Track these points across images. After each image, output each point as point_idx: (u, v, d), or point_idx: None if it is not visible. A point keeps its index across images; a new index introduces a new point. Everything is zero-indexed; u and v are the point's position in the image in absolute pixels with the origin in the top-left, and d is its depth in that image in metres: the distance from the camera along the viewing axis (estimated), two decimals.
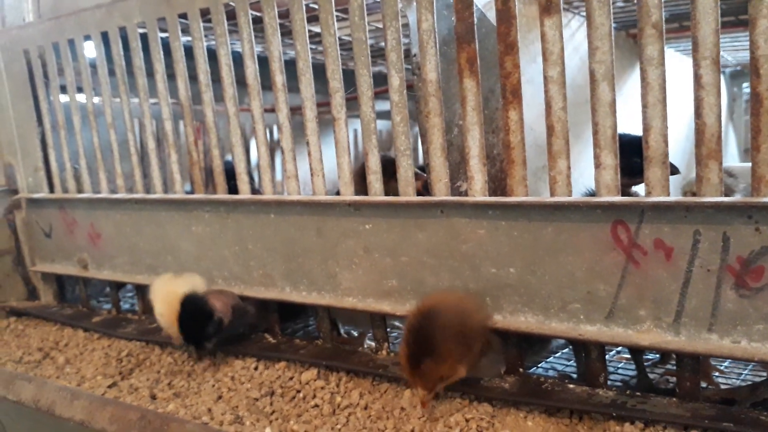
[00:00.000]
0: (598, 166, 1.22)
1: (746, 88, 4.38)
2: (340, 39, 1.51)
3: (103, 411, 1.07)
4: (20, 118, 2.25)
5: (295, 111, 1.63)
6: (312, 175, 1.60)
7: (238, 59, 1.66)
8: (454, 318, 1.26)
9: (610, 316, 1.24)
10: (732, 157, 4.08)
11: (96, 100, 2.02)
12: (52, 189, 2.25)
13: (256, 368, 1.65)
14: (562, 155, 1.25)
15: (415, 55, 1.45)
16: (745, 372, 1.57)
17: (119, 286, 2.21)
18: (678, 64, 2.76)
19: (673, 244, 1.16)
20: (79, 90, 2.06)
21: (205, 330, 1.58)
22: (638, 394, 1.27)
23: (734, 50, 3.41)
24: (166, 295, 1.64)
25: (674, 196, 1.16)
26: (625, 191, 1.28)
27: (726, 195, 1.12)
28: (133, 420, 1.04)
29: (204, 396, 1.55)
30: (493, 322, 1.34)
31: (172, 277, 1.74)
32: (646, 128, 1.16)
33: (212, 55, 1.72)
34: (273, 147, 2.62)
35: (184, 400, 1.53)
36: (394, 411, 1.41)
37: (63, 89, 2.11)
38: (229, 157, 1.82)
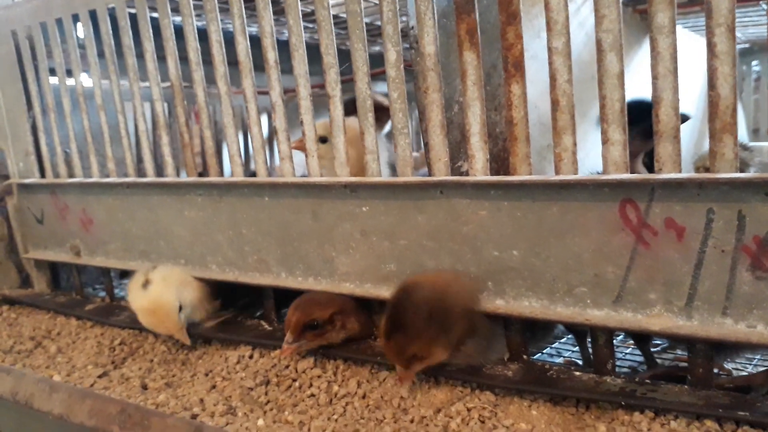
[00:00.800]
0: (605, 141, 1.15)
1: (756, 66, 4.29)
2: (334, 17, 1.44)
3: (82, 404, 1.02)
4: (9, 101, 2.20)
5: (288, 93, 1.57)
6: (306, 156, 1.53)
7: (229, 40, 1.60)
8: (431, 297, 1.21)
9: (619, 300, 1.18)
10: (741, 138, 4.00)
11: (86, 82, 1.95)
12: (43, 174, 2.19)
13: (251, 356, 1.60)
14: (567, 131, 1.18)
15: (412, 28, 1.38)
16: (757, 357, 1.51)
17: (123, 274, 2.17)
18: (686, 41, 2.68)
19: (685, 224, 1.09)
20: (69, 72, 2.00)
21: None
22: (647, 381, 1.22)
23: (743, 26, 3.33)
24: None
25: (686, 173, 1.10)
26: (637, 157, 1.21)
27: (740, 170, 1.06)
28: (113, 413, 0.98)
29: (197, 386, 1.50)
30: (481, 305, 1.29)
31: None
32: (657, 100, 1.09)
33: (202, 37, 1.66)
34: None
35: (176, 390, 1.48)
36: (393, 400, 1.36)
37: (52, 71, 2.05)
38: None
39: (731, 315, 1.09)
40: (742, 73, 4.25)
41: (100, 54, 1.87)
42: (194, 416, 1.20)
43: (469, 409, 1.28)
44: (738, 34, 3.38)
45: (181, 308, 1.61)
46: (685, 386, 1.17)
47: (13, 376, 1.17)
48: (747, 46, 3.97)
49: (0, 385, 1.18)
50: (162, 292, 1.59)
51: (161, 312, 1.60)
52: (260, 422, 1.24)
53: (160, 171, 1.88)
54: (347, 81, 1.46)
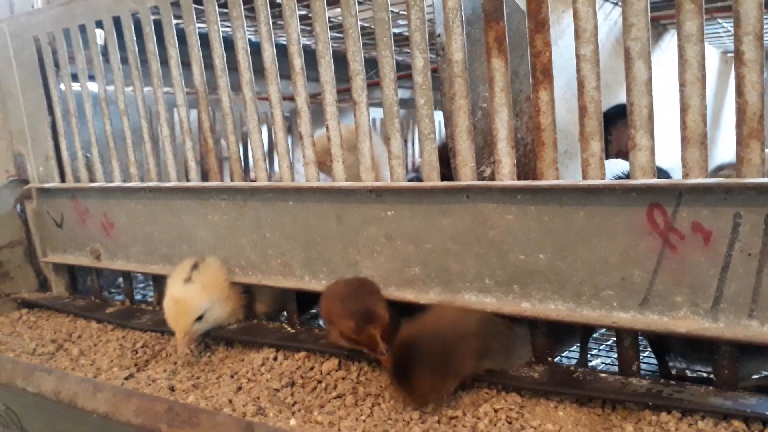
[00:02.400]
0: (633, 147, 1.17)
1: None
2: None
3: (128, 403, 1.04)
4: (30, 106, 2.22)
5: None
6: (332, 161, 1.56)
7: (252, 48, 1.63)
8: (434, 338, 1.26)
9: (645, 303, 1.20)
10: None
11: (109, 87, 1.98)
12: (63, 178, 2.21)
13: (275, 358, 1.62)
14: (595, 137, 1.20)
15: (439, 36, 1.40)
16: None
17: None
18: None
19: (712, 228, 1.12)
20: (91, 78, 2.03)
21: None
22: (673, 382, 1.24)
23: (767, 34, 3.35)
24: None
25: (713, 178, 1.12)
26: None
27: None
28: (160, 412, 1.00)
29: (223, 387, 1.52)
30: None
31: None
32: (684, 108, 1.12)
33: (226, 44, 1.68)
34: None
35: (204, 391, 1.50)
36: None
37: (74, 77, 2.07)
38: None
39: (757, 317, 1.11)
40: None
41: (123, 60, 1.90)
42: (240, 416, 1.20)
43: (496, 410, 1.29)
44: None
45: (201, 317, 1.62)
46: (711, 387, 1.19)
47: (55, 375, 1.18)
48: None
49: (42, 384, 1.20)
50: (194, 295, 1.60)
51: (181, 309, 1.61)
52: (292, 422, 1.26)
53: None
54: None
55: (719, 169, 1.77)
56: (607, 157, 1.24)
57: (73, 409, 1.20)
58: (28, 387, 1.22)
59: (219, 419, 0.96)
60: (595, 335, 1.94)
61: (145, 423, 1.00)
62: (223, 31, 1.70)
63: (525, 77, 1.53)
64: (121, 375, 1.62)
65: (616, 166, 1.54)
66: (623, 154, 1.85)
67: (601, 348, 1.92)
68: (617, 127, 1.74)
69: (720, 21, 2.46)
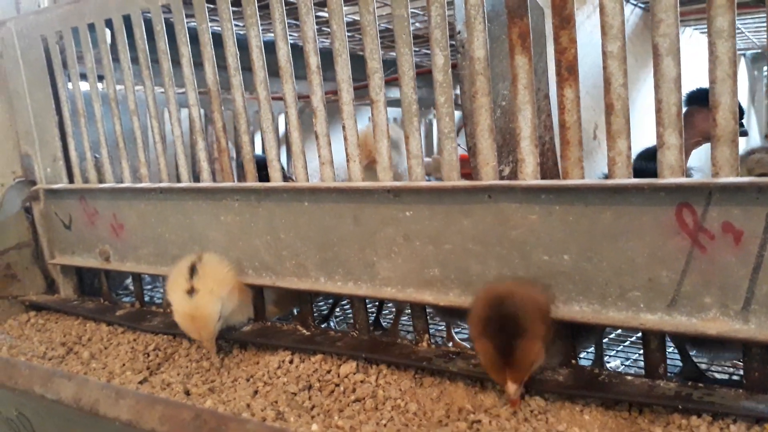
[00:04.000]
0: (661, 145, 1.15)
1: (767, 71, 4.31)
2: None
3: (152, 410, 1.02)
4: (38, 106, 2.19)
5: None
6: (348, 160, 1.53)
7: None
8: (529, 298, 1.20)
9: (673, 304, 1.18)
10: (754, 141, 4.01)
11: (118, 87, 1.95)
12: (71, 179, 2.19)
13: (291, 361, 1.59)
14: (622, 135, 1.18)
15: (459, 32, 1.38)
16: None
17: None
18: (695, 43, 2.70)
19: (743, 228, 1.09)
20: (100, 77, 2.00)
21: None
22: (701, 385, 1.21)
23: (756, 32, 3.34)
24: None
25: (744, 177, 1.10)
26: None
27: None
28: (186, 420, 0.98)
29: (240, 391, 1.49)
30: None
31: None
32: (714, 105, 1.10)
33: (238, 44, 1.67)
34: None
35: (220, 395, 1.48)
36: (441, 405, 1.35)
37: (82, 76, 2.05)
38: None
39: None
40: (754, 78, 4.27)
41: (133, 59, 1.88)
42: (270, 424, 1.18)
43: (516, 414, 1.28)
44: (755, 39, 3.39)
45: (219, 318, 1.59)
46: (741, 390, 1.17)
47: (75, 381, 1.16)
48: (759, 51, 3.99)
49: (62, 391, 1.17)
50: (206, 304, 1.55)
51: (200, 323, 1.58)
52: (314, 427, 1.24)
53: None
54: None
55: (750, 153, 1.74)
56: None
57: (89, 416, 1.17)
58: (47, 393, 1.20)
59: (249, 428, 0.93)
60: (611, 335, 1.93)
61: (171, 431, 0.98)
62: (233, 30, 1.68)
63: (543, 74, 1.51)
64: (134, 379, 1.60)
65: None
66: (704, 141, 1.82)
67: (619, 349, 1.91)
68: (701, 112, 1.71)
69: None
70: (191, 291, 1.55)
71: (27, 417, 1.48)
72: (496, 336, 1.19)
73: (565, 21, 1.20)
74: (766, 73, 4.28)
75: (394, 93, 2.12)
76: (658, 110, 1.14)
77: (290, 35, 1.61)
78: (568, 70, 1.21)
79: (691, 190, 1.12)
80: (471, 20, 1.29)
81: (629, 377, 1.28)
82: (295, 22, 1.92)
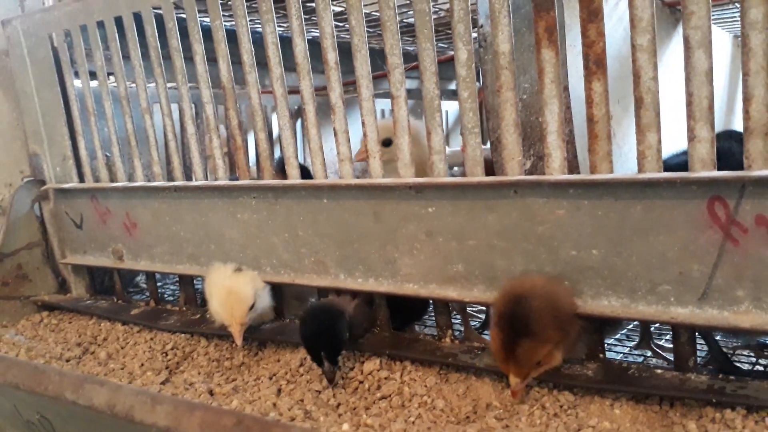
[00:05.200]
0: (692, 139, 1.14)
1: None
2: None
3: (191, 416, 1.01)
4: (46, 105, 2.17)
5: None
6: (369, 157, 1.52)
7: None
8: (548, 300, 1.20)
9: (704, 298, 1.18)
10: None
11: (130, 85, 1.94)
12: (81, 178, 2.17)
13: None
14: (652, 129, 1.17)
15: (481, 26, 1.37)
16: None
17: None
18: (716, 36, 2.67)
19: None
20: (109, 75, 1.98)
21: (342, 342, 1.45)
22: (733, 378, 1.21)
23: None
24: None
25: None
26: None
27: None
28: (228, 426, 0.96)
29: (264, 390, 1.49)
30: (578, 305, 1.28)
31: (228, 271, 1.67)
32: (747, 97, 1.09)
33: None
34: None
35: (244, 394, 1.47)
36: (467, 402, 1.35)
37: (92, 74, 2.03)
38: None
39: None
40: None
41: (144, 56, 1.86)
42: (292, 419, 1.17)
43: (547, 409, 1.27)
44: None
45: (252, 306, 1.59)
46: None
47: (107, 387, 1.15)
48: None
49: (94, 397, 1.16)
50: (246, 283, 1.61)
51: (235, 299, 1.59)
52: (345, 426, 1.23)
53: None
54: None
55: None
56: None
57: (116, 419, 1.16)
58: (79, 400, 1.19)
59: None
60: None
61: None
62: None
63: (562, 67, 1.50)
64: (156, 380, 1.59)
65: None
66: None
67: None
68: None
69: (737, 4, 2.42)
70: (238, 270, 1.65)
71: (49, 420, 1.47)
72: (505, 331, 1.21)
73: (593, 14, 1.19)
74: None
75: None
76: (689, 103, 1.13)
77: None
78: (596, 64, 1.20)
79: (723, 184, 1.11)
80: (495, 14, 1.28)
81: (659, 371, 1.27)
82: (306, 16, 1.90)
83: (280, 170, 1.71)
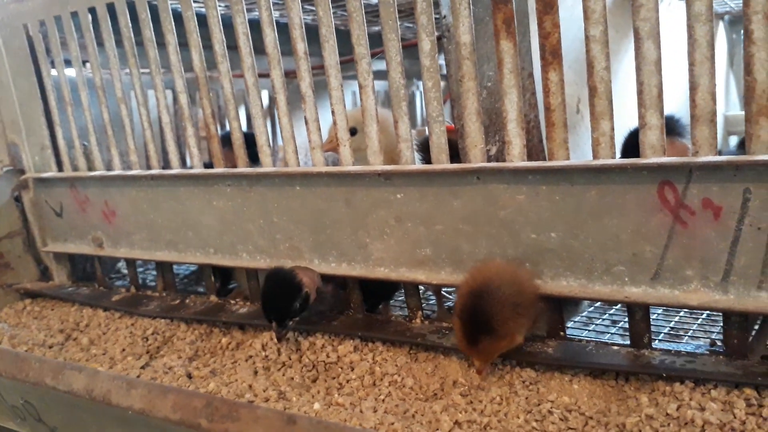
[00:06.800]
0: (642, 126, 1.19)
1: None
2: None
3: (164, 399, 1.06)
4: (23, 95, 2.19)
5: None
6: (338, 145, 1.56)
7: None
8: (510, 287, 1.25)
9: (656, 278, 1.23)
10: (733, 105, 4.07)
11: (105, 75, 1.96)
12: (60, 167, 2.20)
13: (287, 341, 1.64)
14: (605, 116, 1.22)
15: (444, 17, 1.41)
16: None
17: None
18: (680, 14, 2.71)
19: (722, 203, 1.14)
20: (85, 63, 2.00)
21: (291, 306, 1.51)
22: (684, 352, 1.28)
23: None
24: None
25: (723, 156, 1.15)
26: None
27: None
28: (198, 407, 1.02)
29: (240, 372, 1.54)
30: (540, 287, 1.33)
31: None
32: (693, 86, 1.14)
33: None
34: None
35: (221, 377, 1.52)
36: (435, 380, 1.41)
37: (67, 63, 2.04)
38: None
39: (767, 288, 1.14)
40: (732, 42, 4.30)
41: (118, 44, 1.88)
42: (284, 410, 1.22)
43: (512, 385, 1.33)
44: (732, 4, 3.43)
45: None
46: (721, 357, 1.23)
47: (85, 373, 1.19)
48: (739, 14, 4.01)
49: (73, 383, 1.21)
50: None
51: None
52: (315, 406, 1.29)
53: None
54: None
55: None
56: None
57: (98, 403, 1.21)
58: (59, 385, 1.24)
59: (260, 413, 0.98)
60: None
61: (183, 418, 1.02)
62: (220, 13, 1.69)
63: (527, 54, 1.54)
64: (136, 364, 1.64)
65: None
66: None
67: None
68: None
69: None
70: None
71: (32, 404, 1.52)
72: (467, 325, 1.27)
73: (548, 6, 1.23)
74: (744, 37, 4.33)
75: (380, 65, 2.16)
76: (640, 92, 1.18)
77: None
78: (552, 54, 1.25)
79: (672, 169, 1.17)
80: (456, 5, 1.31)
81: (615, 347, 1.34)
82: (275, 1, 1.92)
83: (227, 145, 1.77)
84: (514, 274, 1.29)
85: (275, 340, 1.56)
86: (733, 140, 3.49)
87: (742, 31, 3.37)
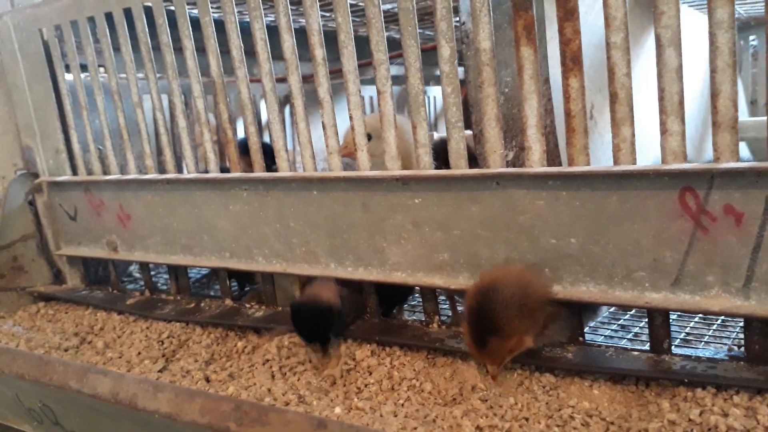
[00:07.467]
0: (664, 132, 1.20)
1: (753, 41, 4.36)
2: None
3: (191, 403, 1.06)
4: (38, 99, 2.20)
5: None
6: (356, 150, 1.57)
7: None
8: (516, 290, 1.25)
9: (677, 283, 1.24)
10: (741, 112, 4.07)
11: (121, 79, 1.97)
12: (75, 171, 2.21)
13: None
14: (626, 122, 1.23)
15: (463, 24, 1.41)
16: None
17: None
18: (695, 21, 2.72)
19: (744, 210, 1.15)
20: (100, 66, 2.01)
21: (331, 330, 1.54)
22: (704, 358, 1.28)
23: (741, 2, 3.38)
24: None
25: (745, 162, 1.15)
26: None
27: None
28: (226, 411, 1.02)
29: (258, 376, 1.54)
30: (554, 292, 1.34)
31: None
32: (715, 93, 1.14)
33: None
34: None
35: (239, 380, 1.53)
36: (454, 384, 1.41)
37: (83, 68, 2.06)
38: None
39: None
40: (739, 48, 4.31)
41: (134, 48, 1.89)
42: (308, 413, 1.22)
43: (532, 391, 1.34)
44: (741, 10, 3.44)
45: None
46: (743, 363, 1.23)
47: (110, 377, 1.20)
48: (746, 20, 4.02)
49: (98, 386, 1.21)
50: None
51: None
52: (337, 410, 1.29)
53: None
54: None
55: None
56: None
57: (119, 406, 1.22)
58: (83, 389, 1.24)
59: (290, 417, 0.98)
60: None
61: (211, 422, 1.03)
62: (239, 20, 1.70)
63: (543, 60, 1.55)
64: (153, 368, 1.65)
65: None
66: None
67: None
68: None
69: None
70: None
71: (50, 407, 1.52)
72: (474, 326, 1.28)
73: (569, 13, 1.24)
74: (752, 42, 4.33)
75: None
76: (661, 98, 1.19)
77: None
78: (573, 61, 1.25)
79: (693, 175, 1.17)
80: (476, 12, 1.32)
81: (635, 353, 1.34)
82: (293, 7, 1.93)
83: (244, 153, 1.77)
84: (520, 275, 1.30)
85: (320, 355, 1.57)
86: (742, 146, 3.48)
87: (749, 37, 3.34)
